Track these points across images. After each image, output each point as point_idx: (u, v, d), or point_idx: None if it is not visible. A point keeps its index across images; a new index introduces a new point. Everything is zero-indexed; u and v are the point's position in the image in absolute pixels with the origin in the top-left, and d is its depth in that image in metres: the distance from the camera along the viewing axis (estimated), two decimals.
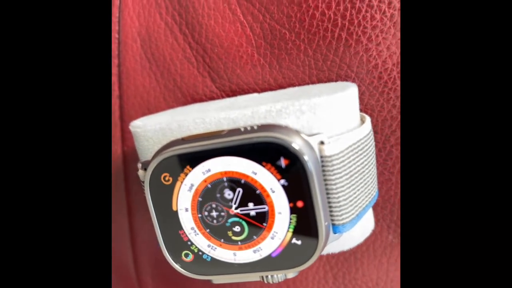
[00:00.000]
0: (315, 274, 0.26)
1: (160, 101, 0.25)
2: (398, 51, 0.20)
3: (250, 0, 0.22)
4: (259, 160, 0.16)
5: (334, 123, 0.17)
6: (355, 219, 0.18)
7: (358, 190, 0.18)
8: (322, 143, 0.16)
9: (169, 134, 0.18)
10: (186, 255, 0.18)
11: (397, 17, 0.20)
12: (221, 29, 0.22)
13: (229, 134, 0.16)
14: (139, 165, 0.20)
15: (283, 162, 0.16)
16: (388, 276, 0.24)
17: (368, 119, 0.19)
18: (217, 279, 0.18)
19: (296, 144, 0.16)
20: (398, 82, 0.21)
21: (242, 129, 0.16)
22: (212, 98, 0.24)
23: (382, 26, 0.20)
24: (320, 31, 0.21)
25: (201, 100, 0.24)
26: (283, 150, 0.16)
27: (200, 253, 0.18)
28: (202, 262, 0.18)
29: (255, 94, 0.22)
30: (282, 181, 0.16)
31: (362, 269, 0.25)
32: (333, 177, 0.16)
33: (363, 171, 0.18)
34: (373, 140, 0.20)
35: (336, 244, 0.19)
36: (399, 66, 0.20)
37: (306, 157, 0.15)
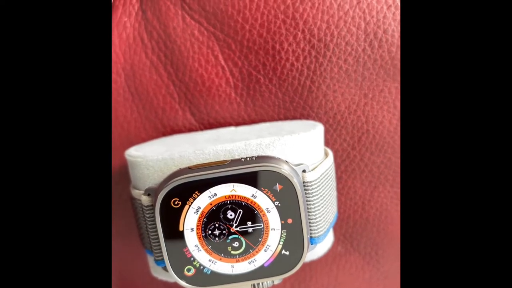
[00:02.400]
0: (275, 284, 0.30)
1: (140, 131, 0.27)
2: (350, 97, 0.26)
3: (231, 49, 0.25)
4: (259, 186, 0.20)
5: (309, 155, 0.22)
6: (326, 232, 0.22)
7: (327, 208, 0.22)
8: (304, 171, 0.21)
9: (171, 163, 0.21)
10: (188, 270, 0.20)
11: (350, 72, 0.25)
12: (203, 71, 0.26)
13: (232, 164, 0.20)
14: (135, 191, 0.22)
15: (278, 187, 0.20)
16: (337, 281, 0.29)
17: (330, 152, 0.24)
18: None
19: (288, 172, 0.20)
20: (349, 121, 0.26)
21: (243, 160, 0.20)
22: (190, 129, 0.27)
23: (338, 77, 0.25)
24: (289, 79, 0.25)
25: (180, 131, 0.27)
26: (279, 177, 0.19)
27: (202, 267, 0.20)
28: (202, 275, 0.20)
29: (232, 128, 0.26)
30: (276, 202, 0.20)
31: (315, 276, 0.29)
32: (312, 199, 0.21)
33: (330, 194, 0.23)
34: (334, 169, 0.24)
35: (310, 254, 0.23)
36: (349, 108, 0.26)
37: (296, 183, 0.20)
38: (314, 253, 0.23)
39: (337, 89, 0.26)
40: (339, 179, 0.27)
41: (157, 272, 0.24)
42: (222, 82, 0.26)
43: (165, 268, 0.21)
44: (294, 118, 0.26)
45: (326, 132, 0.26)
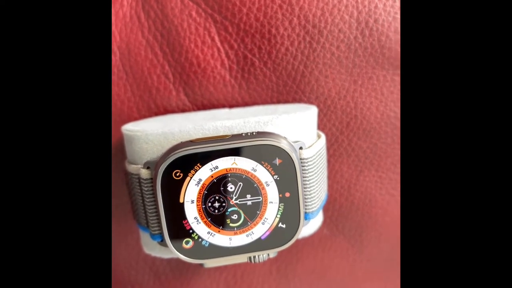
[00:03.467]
0: (261, 267, 0.30)
1: (133, 110, 0.27)
2: (340, 83, 0.27)
3: (228, 31, 0.26)
4: (259, 160, 0.20)
5: (304, 134, 0.23)
6: (318, 209, 0.23)
7: (320, 186, 0.23)
8: (301, 148, 0.21)
9: (171, 137, 0.21)
10: (187, 242, 0.21)
11: (342, 58, 0.26)
12: (199, 52, 0.26)
13: (234, 138, 0.20)
14: (132, 166, 0.22)
15: (277, 161, 0.20)
16: (322, 264, 0.30)
17: (323, 134, 0.25)
18: (210, 263, 0.21)
19: (288, 147, 0.20)
20: (339, 106, 0.27)
21: (244, 135, 0.20)
22: (184, 110, 0.27)
23: (330, 63, 0.26)
24: (284, 63, 0.26)
25: (173, 111, 0.27)
26: (279, 151, 0.20)
27: (200, 239, 0.21)
28: (200, 247, 0.21)
29: (226, 109, 0.26)
30: (276, 176, 0.20)
31: (301, 260, 0.30)
32: (308, 175, 0.21)
33: (322, 173, 0.24)
34: (326, 150, 0.25)
35: (303, 229, 0.24)
36: (339, 94, 0.27)
37: (295, 158, 0.20)
38: (305, 230, 0.24)
39: (329, 74, 0.27)
40: (331, 166, 0.28)
41: (150, 249, 0.24)
42: (217, 64, 0.26)
43: (161, 243, 0.22)
44: (286, 102, 0.27)
45: (317, 116, 0.27)
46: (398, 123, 0.28)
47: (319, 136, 0.24)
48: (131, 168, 0.22)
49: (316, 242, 0.30)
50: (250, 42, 0.26)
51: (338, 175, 0.29)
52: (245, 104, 0.27)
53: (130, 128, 0.22)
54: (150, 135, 0.21)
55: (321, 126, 0.27)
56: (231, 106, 0.27)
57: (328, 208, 0.29)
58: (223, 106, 0.27)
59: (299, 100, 0.27)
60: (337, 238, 0.30)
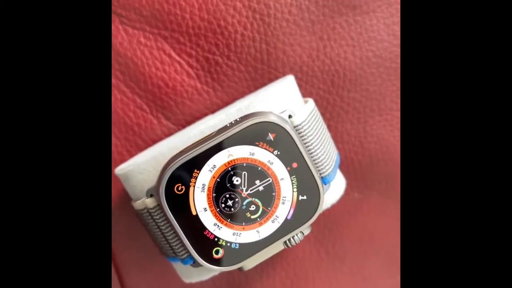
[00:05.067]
0: (309, 257, 0.29)
1: (123, 154, 0.26)
2: (308, 45, 0.26)
3: (181, 42, 0.26)
4: (253, 142, 0.19)
5: (289, 104, 0.22)
6: (334, 169, 0.22)
7: (326, 147, 0.22)
8: (290, 116, 0.20)
9: (162, 158, 0.21)
10: (217, 252, 0.20)
11: (298, 21, 0.26)
12: (163, 73, 0.26)
13: (220, 132, 0.19)
14: (137, 203, 0.21)
15: (271, 137, 0.19)
16: (367, 228, 0.29)
17: (310, 99, 0.24)
18: (248, 264, 0.20)
19: (276, 118, 0.19)
20: (316, 69, 0.26)
21: (228, 125, 0.20)
22: (171, 134, 0.27)
23: (289, 31, 0.26)
24: (245, 49, 0.26)
25: (161, 139, 0.27)
26: (268, 126, 0.19)
27: (228, 244, 0.20)
28: (231, 252, 0.20)
29: (210, 116, 0.26)
30: (275, 152, 0.20)
31: (345, 233, 0.29)
32: (308, 139, 0.21)
33: (324, 133, 0.23)
34: (319, 113, 0.24)
35: (330, 197, 0.22)
36: (311, 56, 0.26)
37: (287, 126, 0.19)
38: (331, 196, 0.23)
39: (293, 42, 0.26)
40: (329, 128, 0.27)
41: (188, 277, 0.23)
42: (183, 77, 0.26)
43: (194, 264, 0.21)
44: (263, 85, 0.26)
45: (299, 86, 0.26)
46: (380, 60, 0.27)
47: (306, 102, 0.24)
48: (137, 204, 0.21)
49: (352, 210, 0.28)
50: (205, 43, 0.26)
51: (345, 135, 0.27)
52: (226, 103, 0.26)
53: (122, 167, 0.22)
54: (141, 164, 0.21)
55: (307, 94, 0.27)
56: (213, 112, 0.26)
57: (349, 171, 0.28)
58: (205, 114, 0.26)
59: (275, 79, 0.26)
60: (371, 198, 0.28)
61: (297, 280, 0.29)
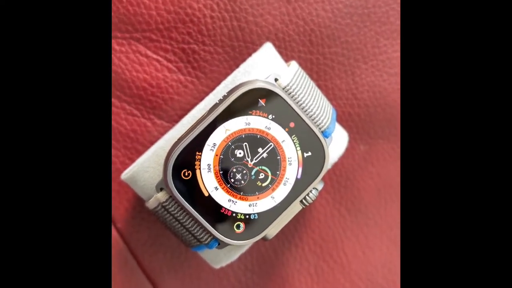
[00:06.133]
0: (332, 219, 0.29)
1: (126, 163, 0.26)
2: (277, 11, 0.26)
3: (154, 40, 0.26)
4: (246, 112, 0.19)
5: (272, 69, 0.22)
6: (332, 122, 0.22)
7: (319, 102, 0.22)
8: (276, 80, 0.21)
9: (162, 152, 0.21)
10: (238, 227, 0.20)
11: None
12: (144, 74, 0.26)
13: (211, 111, 0.20)
14: (150, 201, 0.21)
15: (262, 102, 0.19)
16: (381, 177, 0.29)
17: (293, 61, 0.24)
18: (271, 231, 0.20)
19: (263, 83, 0.19)
20: (291, 32, 0.26)
21: (218, 101, 0.20)
22: (167, 132, 0.27)
23: (257, 1, 0.26)
24: (217, 30, 0.26)
25: (158, 139, 0.27)
26: (257, 92, 0.19)
27: (247, 216, 0.20)
28: (252, 223, 0.20)
29: (199, 105, 0.26)
30: (270, 116, 0.20)
31: (361, 186, 0.29)
32: (299, 97, 0.21)
33: (314, 90, 0.23)
34: (305, 73, 0.24)
35: (336, 150, 0.22)
36: (283, 21, 0.26)
37: (276, 89, 0.19)
38: (336, 149, 0.23)
39: (262, 12, 0.26)
40: (319, 87, 0.27)
41: (218, 262, 0.23)
42: (165, 73, 0.26)
43: (220, 246, 0.21)
44: (244, 61, 0.26)
45: (280, 54, 0.26)
46: (352, 10, 0.27)
47: (289, 65, 0.24)
48: (151, 203, 0.21)
49: (362, 163, 0.28)
50: (178, 35, 0.26)
51: (336, 91, 0.27)
52: (212, 89, 0.26)
53: (126, 171, 0.22)
54: (144, 162, 0.21)
55: (289, 59, 0.27)
56: (202, 99, 0.26)
57: (349, 125, 0.28)
58: (195, 104, 0.27)
59: (254, 51, 0.26)
60: (377, 146, 0.28)
61: (326, 245, 0.29)
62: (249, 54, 0.26)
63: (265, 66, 0.21)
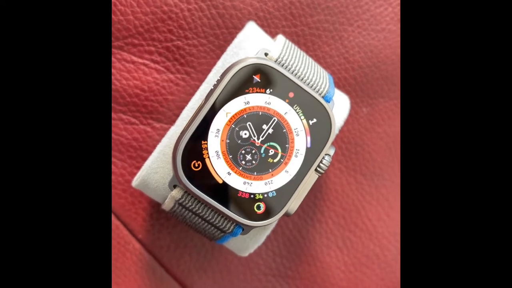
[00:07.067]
0: (349, 185, 0.28)
1: (134, 172, 0.26)
2: None
3: (137, 45, 0.25)
4: (243, 91, 0.19)
5: (259, 45, 0.22)
6: (331, 86, 0.21)
7: (314, 69, 0.22)
8: (266, 54, 0.20)
9: (168, 150, 0.20)
10: (258, 207, 0.20)
11: None
12: (134, 81, 0.26)
13: (207, 97, 0.19)
14: (166, 202, 0.21)
15: (257, 78, 0.19)
16: (389, 135, 0.28)
17: (278, 34, 0.24)
18: (292, 206, 0.20)
19: (254, 59, 0.19)
20: (270, 9, 0.26)
21: (213, 87, 0.19)
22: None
23: None
24: (197, 22, 0.25)
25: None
26: (249, 69, 0.19)
27: (265, 195, 0.19)
28: (271, 201, 0.20)
29: (194, 96, 0.25)
30: (268, 90, 0.19)
31: (371, 148, 0.28)
32: (293, 67, 0.20)
33: (306, 58, 0.22)
34: (293, 44, 0.24)
35: (340, 113, 0.22)
36: (262, 2, 0.26)
37: (268, 62, 0.19)
38: (340, 112, 0.22)
39: None
40: (315, 57, 0.27)
41: (244, 250, 0.23)
42: (154, 75, 0.26)
43: (244, 231, 0.20)
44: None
45: (265, 31, 0.26)
46: None
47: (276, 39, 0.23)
48: (167, 203, 0.21)
49: (367, 125, 0.28)
50: (159, 34, 0.25)
51: (328, 58, 0.27)
52: (203, 81, 0.26)
53: (135, 178, 0.22)
54: (152, 164, 0.21)
55: (274, 36, 0.26)
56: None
57: (348, 90, 0.27)
58: (189, 100, 0.26)
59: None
60: (379, 105, 0.28)
61: (349, 214, 0.29)
62: (231, 38, 0.26)
63: (252, 44, 0.21)
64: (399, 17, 0.28)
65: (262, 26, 0.26)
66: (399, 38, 0.28)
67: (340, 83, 0.27)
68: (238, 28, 0.26)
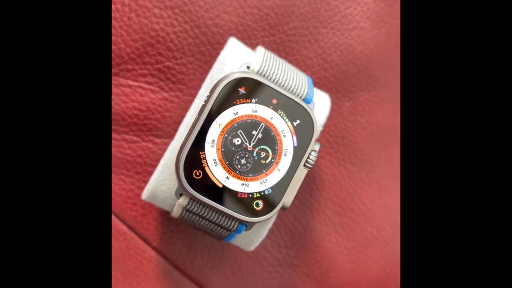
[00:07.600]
0: (341, 175, 0.31)
1: (142, 186, 0.29)
2: (231, 8, 0.28)
3: (131, 70, 0.28)
4: (231, 103, 0.21)
5: (241, 59, 0.24)
6: (310, 89, 0.24)
7: (293, 75, 0.24)
8: (248, 67, 0.22)
9: (171, 163, 0.23)
10: (257, 205, 0.22)
11: None
12: (132, 103, 0.28)
13: (200, 112, 0.21)
14: (174, 210, 0.23)
15: (242, 90, 0.21)
16: (372, 124, 0.31)
17: (258, 46, 0.26)
18: (287, 200, 0.22)
19: (238, 74, 0.21)
20: (249, 21, 0.28)
21: (204, 102, 0.22)
22: (168, 146, 0.29)
23: (209, 5, 0.28)
24: (183, 42, 0.28)
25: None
26: (235, 82, 0.21)
27: (262, 193, 0.22)
28: (268, 198, 0.22)
29: (188, 111, 0.28)
30: (253, 100, 0.22)
31: (357, 138, 0.31)
32: (274, 76, 0.23)
33: (285, 66, 0.24)
34: (273, 54, 0.26)
35: (322, 111, 0.24)
36: (237, 13, 0.28)
37: (250, 75, 0.21)
38: (321, 110, 0.25)
39: (217, 12, 0.28)
40: (290, 63, 0.29)
41: (249, 245, 0.25)
42: (150, 95, 0.28)
43: (247, 228, 0.23)
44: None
45: (246, 45, 0.28)
46: None
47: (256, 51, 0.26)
48: (175, 211, 0.23)
49: (351, 117, 0.30)
50: (150, 58, 0.28)
51: (307, 61, 0.29)
52: (194, 95, 0.28)
53: (144, 191, 0.24)
54: (158, 177, 0.23)
55: (255, 47, 0.28)
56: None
57: (328, 88, 0.30)
58: (184, 115, 0.28)
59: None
60: (359, 98, 0.30)
61: (344, 201, 0.31)
62: (219, 54, 0.28)
63: (235, 59, 0.23)
64: (368, 14, 0.30)
65: (242, 39, 0.28)
66: (370, 34, 0.30)
67: (321, 82, 0.30)
68: (221, 43, 0.28)
